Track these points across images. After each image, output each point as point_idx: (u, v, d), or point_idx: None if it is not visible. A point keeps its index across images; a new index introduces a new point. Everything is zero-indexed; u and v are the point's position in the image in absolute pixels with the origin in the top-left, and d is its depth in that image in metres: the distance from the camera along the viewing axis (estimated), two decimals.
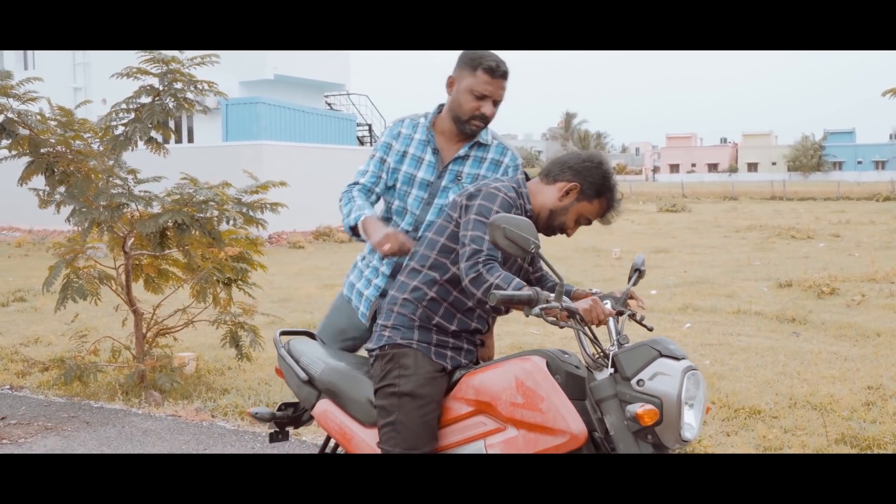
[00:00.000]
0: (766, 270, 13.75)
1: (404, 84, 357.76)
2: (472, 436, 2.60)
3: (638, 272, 2.91)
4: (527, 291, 2.49)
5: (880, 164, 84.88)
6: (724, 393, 5.90)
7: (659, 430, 2.40)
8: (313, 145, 23.95)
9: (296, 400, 3.35)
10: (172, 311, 6.55)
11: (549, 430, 2.42)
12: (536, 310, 2.44)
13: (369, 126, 30.02)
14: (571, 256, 16.00)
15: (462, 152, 3.23)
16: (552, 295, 2.49)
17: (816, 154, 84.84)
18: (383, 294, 3.23)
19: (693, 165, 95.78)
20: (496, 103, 3.15)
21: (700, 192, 51.01)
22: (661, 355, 2.45)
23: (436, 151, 3.25)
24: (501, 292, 2.48)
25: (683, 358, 2.47)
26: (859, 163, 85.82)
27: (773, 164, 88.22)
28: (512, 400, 2.50)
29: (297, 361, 3.21)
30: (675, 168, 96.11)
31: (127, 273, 6.19)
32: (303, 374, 3.15)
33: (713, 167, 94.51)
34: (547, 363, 2.55)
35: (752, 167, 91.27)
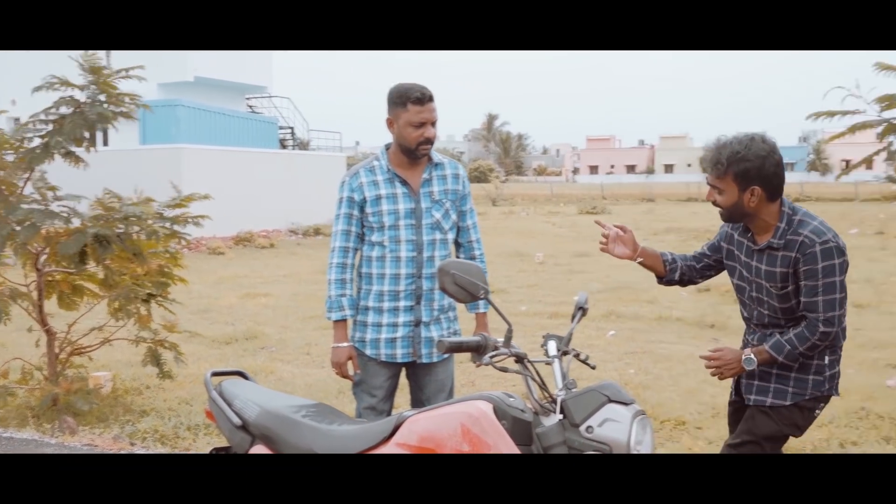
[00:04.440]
0: None
1: (327, 86, 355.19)
2: None
3: (581, 310, 2.90)
4: (475, 338, 2.50)
5: (790, 166, 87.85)
6: (650, 404, 5.97)
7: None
8: (234, 149, 23.54)
9: (227, 444, 3.21)
10: (88, 330, 6.30)
11: None
12: (486, 358, 2.46)
13: (291, 129, 29.66)
14: (494, 262, 16.05)
15: (426, 176, 3.66)
16: (500, 340, 2.50)
17: None
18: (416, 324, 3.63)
19: (612, 167, 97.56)
20: (434, 124, 3.56)
21: (619, 194, 51.95)
22: (610, 400, 2.42)
23: (404, 182, 3.62)
24: (449, 339, 2.54)
25: (632, 403, 2.45)
26: (703, 170, 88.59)
27: (689, 165, 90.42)
28: (457, 447, 2.43)
29: (229, 404, 3.10)
30: (594, 169, 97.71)
31: (39, 291, 5.93)
32: (236, 419, 3.04)
33: (631, 168, 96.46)
34: (493, 408, 2.49)
35: (669, 168, 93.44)
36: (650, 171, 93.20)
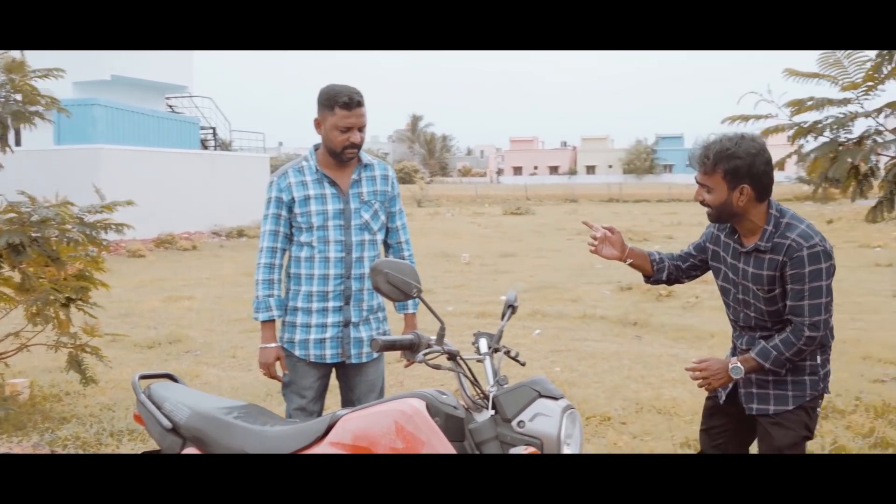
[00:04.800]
0: (608, 274, 14.31)
1: (250, 86, 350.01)
2: None
3: (511, 308, 2.95)
4: (408, 336, 2.54)
5: None
6: (575, 401, 6.08)
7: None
8: (154, 149, 23.04)
9: (157, 448, 3.17)
10: (3, 335, 6.11)
11: None
12: (420, 355, 2.50)
13: (213, 129, 29.15)
14: (421, 263, 16.02)
15: (355, 177, 3.67)
16: (433, 338, 2.54)
17: (649, 157, 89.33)
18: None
19: (535, 168, 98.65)
20: (361, 129, 3.56)
21: (542, 195, 52.58)
22: (541, 395, 2.49)
23: (333, 183, 3.63)
24: (383, 338, 2.56)
25: (561, 397, 2.52)
26: (688, 166, 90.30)
27: (610, 166, 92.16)
28: (392, 445, 2.45)
29: (158, 407, 3.06)
30: (518, 170, 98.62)
31: None
32: (166, 422, 3.01)
33: (554, 169, 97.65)
34: (426, 405, 2.53)
35: (591, 169, 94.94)
36: (573, 171, 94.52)
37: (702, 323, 9.47)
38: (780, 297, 3.08)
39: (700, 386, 3.20)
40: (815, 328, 3.02)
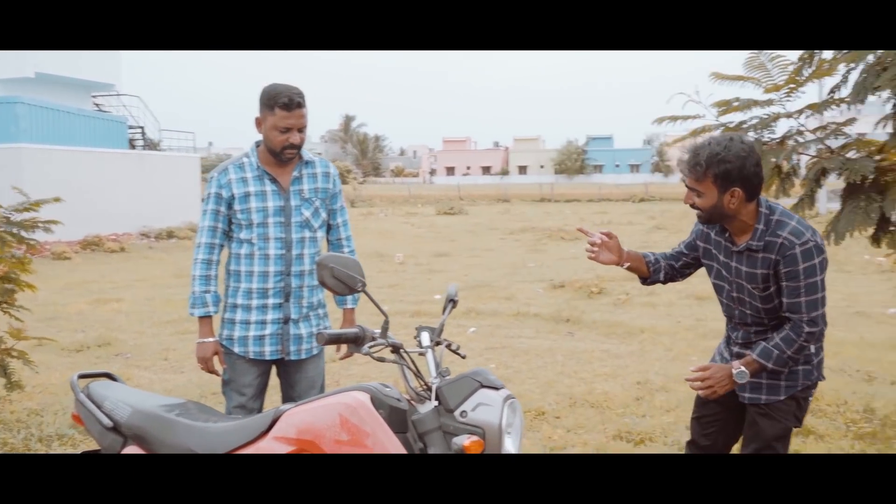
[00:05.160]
0: (540, 272, 14.50)
1: (180, 85, 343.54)
2: None
3: (452, 302, 2.98)
4: (353, 329, 2.56)
5: (635, 168, 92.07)
6: None
7: None
8: (80, 149, 22.47)
9: (97, 447, 3.12)
10: None
11: None
12: (365, 348, 2.53)
13: (142, 129, 28.54)
14: None
15: (296, 174, 3.67)
16: (377, 332, 2.57)
17: (580, 158, 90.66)
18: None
19: (468, 168, 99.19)
20: (301, 129, 3.56)
21: (475, 195, 52.92)
22: (482, 386, 2.54)
23: (273, 180, 3.62)
24: (329, 331, 2.56)
25: (502, 387, 2.57)
26: (617, 166, 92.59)
27: (542, 167, 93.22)
28: (336, 437, 2.47)
29: (98, 406, 3.01)
30: (451, 170, 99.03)
31: None
32: (106, 420, 2.97)
33: (486, 170, 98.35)
34: (370, 398, 2.55)
35: (523, 170, 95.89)
36: (505, 172, 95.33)
37: (632, 319, 9.67)
38: (775, 294, 3.07)
39: (704, 395, 3.14)
40: (814, 323, 3.02)
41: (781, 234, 3.00)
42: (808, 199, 4.52)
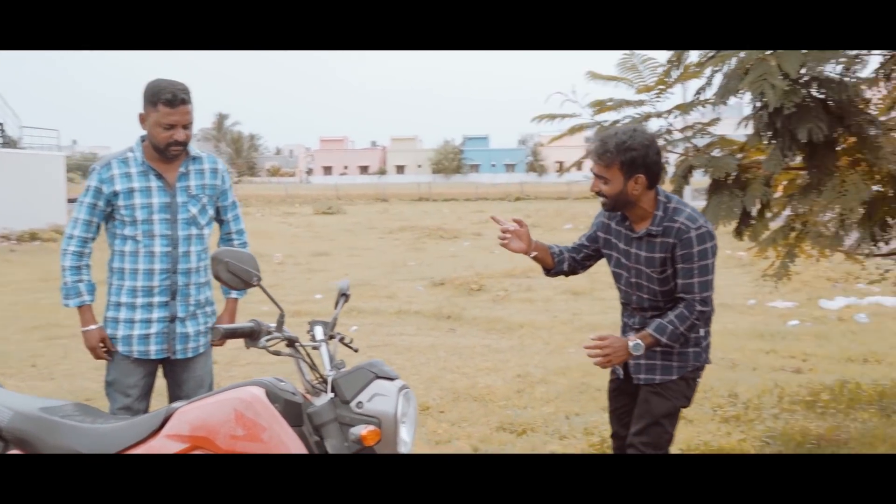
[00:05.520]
0: (421, 270, 14.61)
1: (43, 81, 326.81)
2: None
3: (344, 296, 3.01)
4: (248, 323, 2.56)
5: (511, 167, 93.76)
6: None
7: (378, 448, 2.51)
8: None
9: None
10: None
11: None
12: (262, 341, 2.52)
13: (1, 125, 27.02)
14: None
15: (182, 170, 3.58)
16: (273, 325, 2.58)
17: (456, 157, 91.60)
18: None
19: (345, 167, 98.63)
20: (187, 126, 3.48)
21: (353, 195, 52.70)
22: (377, 377, 2.58)
23: (159, 176, 3.53)
24: (224, 326, 2.57)
25: (397, 378, 2.61)
26: (493, 166, 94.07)
27: (419, 166, 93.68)
28: (232, 433, 2.45)
29: None
30: (328, 170, 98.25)
31: None
32: None
33: (364, 169, 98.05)
34: (265, 392, 2.54)
35: (400, 169, 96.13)
36: (382, 171, 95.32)
37: (511, 315, 9.89)
38: (671, 276, 3.25)
39: (598, 364, 3.25)
40: (705, 303, 3.22)
41: (678, 220, 3.21)
42: (677, 194, 4.74)
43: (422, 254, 17.80)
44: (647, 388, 3.37)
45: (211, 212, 3.68)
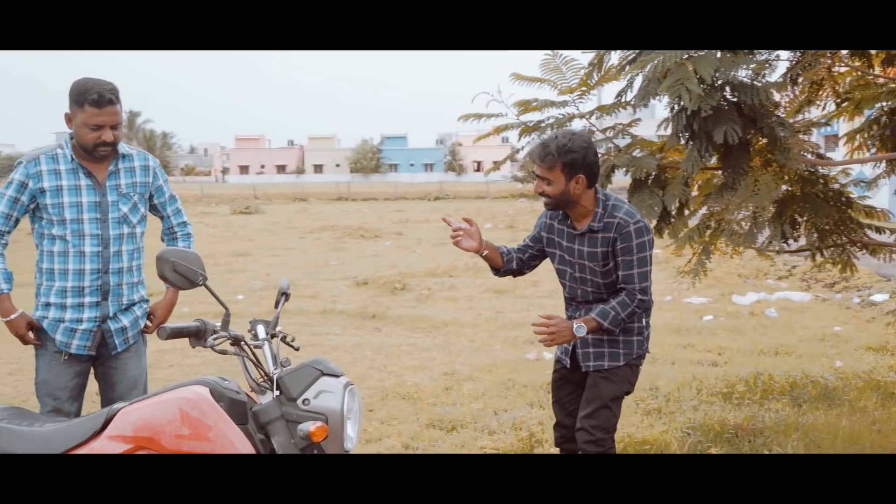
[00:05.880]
0: (343, 270, 14.57)
1: None
2: None
3: (284, 295, 3.02)
4: (194, 323, 2.55)
5: (429, 167, 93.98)
6: None
7: (325, 444, 2.55)
8: None
9: None
10: None
11: None
12: (210, 340, 2.53)
13: None
14: (150, 264, 15.34)
15: (112, 168, 3.52)
16: (218, 324, 2.58)
17: (375, 157, 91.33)
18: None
19: (262, 167, 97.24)
20: (115, 126, 3.41)
21: (271, 194, 52.04)
22: (323, 374, 2.61)
23: (89, 174, 3.46)
24: (170, 325, 2.58)
25: (342, 375, 2.65)
26: (412, 165, 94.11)
27: (337, 165, 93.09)
28: (177, 432, 2.44)
29: None
30: (244, 169, 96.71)
31: None
32: None
33: (281, 168, 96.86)
34: (210, 391, 2.53)
35: (318, 168, 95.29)
36: (300, 171, 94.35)
37: (435, 313, 9.96)
38: (613, 269, 3.46)
39: (543, 342, 3.43)
40: (645, 293, 3.44)
41: (618, 216, 3.43)
42: None
43: (343, 253, 17.74)
44: (595, 374, 3.57)
45: (143, 210, 3.63)
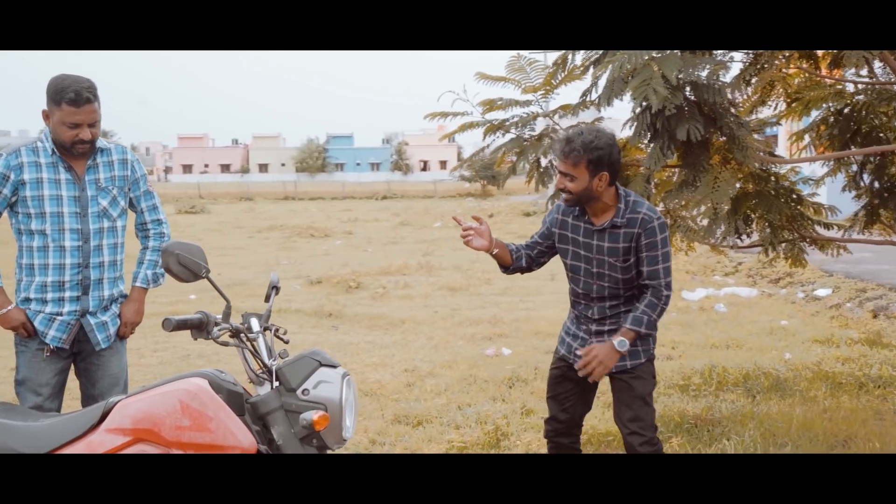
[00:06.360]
0: (295, 269, 14.50)
1: None
2: None
3: (275, 289, 3.05)
4: (197, 315, 2.56)
5: (376, 166, 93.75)
6: None
7: (323, 433, 2.58)
8: None
9: None
10: None
11: (219, 447, 2.43)
12: (215, 331, 2.54)
13: None
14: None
15: (91, 162, 3.51)
16: (219, 317, 2.60)
17: (321, 156, 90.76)
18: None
19: (206, 166, 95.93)
20: (93, 124, 3.39)
21: (216, 193, 51.47)
22: (321, 365, 2.65)
23: (69, 168, 3.45)
24: (175, 317, 2.59)
25: (338, 365, 2.69)
26: (358, 164, 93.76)
27: (283, 165, 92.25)
28: (178, 424, 2.45)
29: None
30: (188, 168, 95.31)
31: None
32: None
33: (226, 168, 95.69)
34: (209, 383, 2.55)
35: (264, 168, 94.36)
36: (245, 170, 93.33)
37: (392, 311, 9.99)
38: (633, 265, 3.43)
39: (597, 377, 3.41)
40: (669, 287, 3.44)
41: (641, 211, 3.41)
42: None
43: (294, 253, 17.66)
44: (625, 376, 3.52)
45: (123, 203, 3.61)
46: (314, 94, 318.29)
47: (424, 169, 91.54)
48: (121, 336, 3.63)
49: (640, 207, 3.43)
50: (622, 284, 3.50)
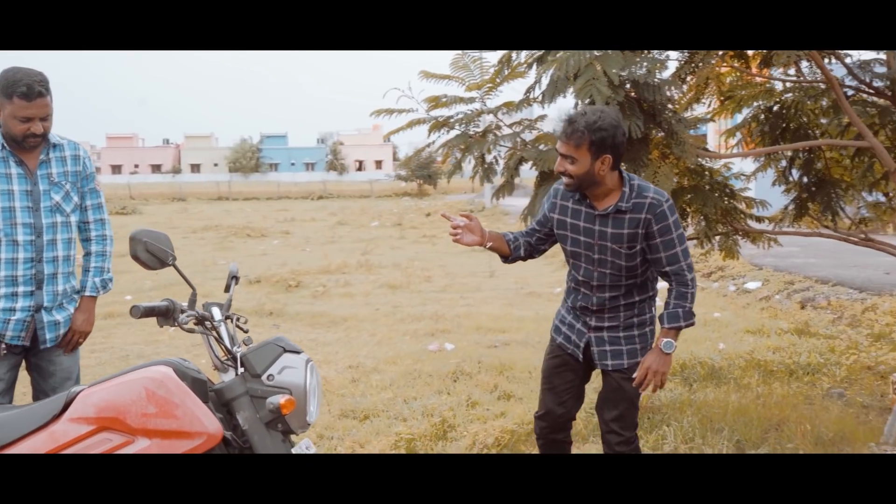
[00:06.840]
0: None
1: None
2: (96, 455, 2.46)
3: (235, 279, 3.07)
4: (164, 302, 2.57)
5: (310, 166, 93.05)
6: None
7: (289, 418, 2.61)
8: None
9: None
10: None
11: (186, 433, 2.43)
12: (182, 318, 2.55)
13: None
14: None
15: (43, 157, 3.50)
16: (185, 304, 2.61)
17: (254, 156, 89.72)
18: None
19: (136, 166, 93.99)
20: (45, 118, 3.38)
21: (147, 194, 50.53)
22: (286, 351, 2.68)
23: (20, 163, 3.43)
24: (143, 304, 2.59)
25: (301, 352, 2.73)
26: (293, 164, 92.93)
27: (216, 165, 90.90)
28: (143, 411, 2.44)
29: None
30: (117, 169, 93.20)
31: None
32: None
33: (157, 168, 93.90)
34: (174, 370, 2.55)
35: (196, 168, 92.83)
36: (176, 170, 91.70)
37: (333, 309, 10.00)
38: (639, 252, 3.27)
39: (656, 389, 3.31)
40: (691, 269, 3.29)
41: (648, 195, 3.24)
42: (508, 185, 5.09)
43: (231, 253, 17.48)
44: (618, 375, 3.43)
45: (76, 199, 3.59)
46: (248, 90, 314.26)
47: (360, 169, 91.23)
48: (68, 344, 3.57)
49: (646, 192, 3.26)
50: (624, 272, 3.33)
